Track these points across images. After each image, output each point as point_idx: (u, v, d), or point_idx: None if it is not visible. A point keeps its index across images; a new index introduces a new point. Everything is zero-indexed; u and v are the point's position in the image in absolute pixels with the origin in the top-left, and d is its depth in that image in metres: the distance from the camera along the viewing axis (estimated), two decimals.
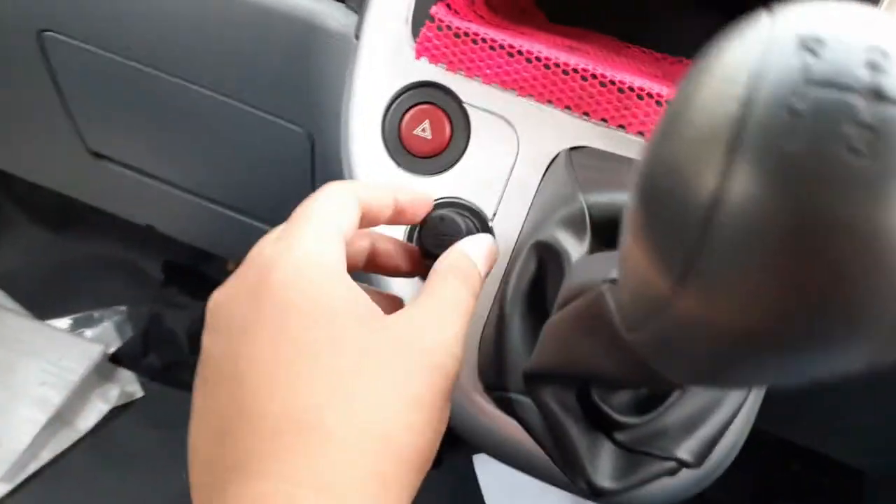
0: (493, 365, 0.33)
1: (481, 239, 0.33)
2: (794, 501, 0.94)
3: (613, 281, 0.22)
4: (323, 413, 0.23)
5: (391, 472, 0.24)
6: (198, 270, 1.07)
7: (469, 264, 0.31)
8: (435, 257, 0.38)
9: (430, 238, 0.37)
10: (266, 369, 0.24)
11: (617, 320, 0.20)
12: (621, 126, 0.38)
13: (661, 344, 0.17)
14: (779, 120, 0.12)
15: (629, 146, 0.38)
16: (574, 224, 0.32)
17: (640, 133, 0.37)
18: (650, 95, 0.37)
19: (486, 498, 0.92)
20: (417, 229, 0.39)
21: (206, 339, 0.27)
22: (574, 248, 0.32)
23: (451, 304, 0.28)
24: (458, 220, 0.38)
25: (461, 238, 0.38)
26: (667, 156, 0.14)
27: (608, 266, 0.23)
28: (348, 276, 0.27)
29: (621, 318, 0.19)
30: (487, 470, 0.94)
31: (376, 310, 0.26)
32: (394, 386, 0.24)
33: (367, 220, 0.30)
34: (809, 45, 0.13)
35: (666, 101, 0.37)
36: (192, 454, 0.26)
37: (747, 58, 0.13)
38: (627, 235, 0.16)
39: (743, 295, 0.13)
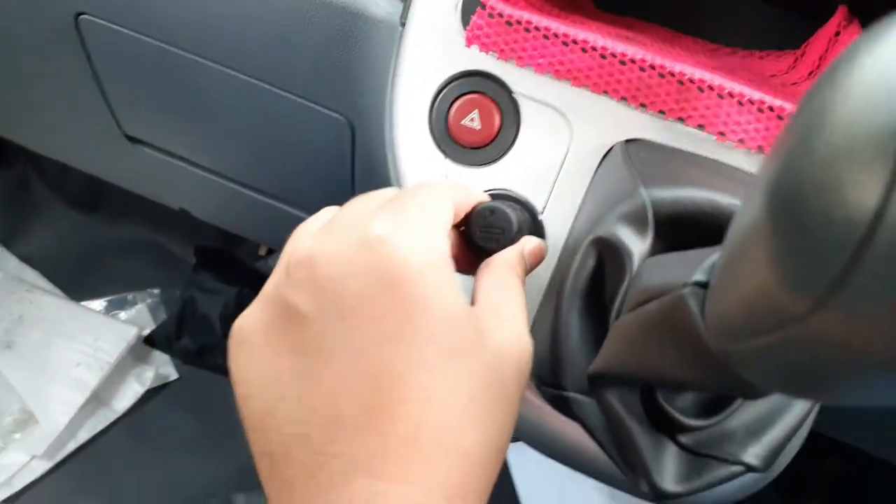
0: (549, 362, 0.33)
1: (532, 238, 0.34)
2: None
3: (698, 284, 0.21)
4: (462, 434, 0.24)
5: (492, 482, 0.25)
6: (229, 254, 1.07)
7: (521, 261, 0.32)
8: (481, 250, 0.37)
9: (479, 230, 0.36)
10: (398, 370, 0.24)
11: (704, 328, 0.19)
12: (680, 119, 0.36)
13: (767, 358, 0.16)
14: None
15: (687, 139, 0.37)
16: (636, 220, 0.31)
17: (700, 126, 0.36)
18: (711, 88, 0.36)
19: (517, 484, 0.93)
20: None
21: (303, 298, 0.25)
22: (635, 245, 0.31)
23: (521, 307, 0.29)
24: (509, 212, 0.37)
25: (512, 232, 0.37)
26: (814, 171, 0.13)
27: (686, 268, 0.22)
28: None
29: (716, 327, 0.18)
30: (520, 456, 0.94)
31: (480, 319, 0.26)
32: (502, 403, 0.25)
33: None
34: None
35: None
36: (272, 419, 0.25)
37: None
38: (747, 247, 0.15)
39: None
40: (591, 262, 0.32)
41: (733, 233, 0.17)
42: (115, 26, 0.53)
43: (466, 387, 0.24)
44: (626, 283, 0.30)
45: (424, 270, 0.25)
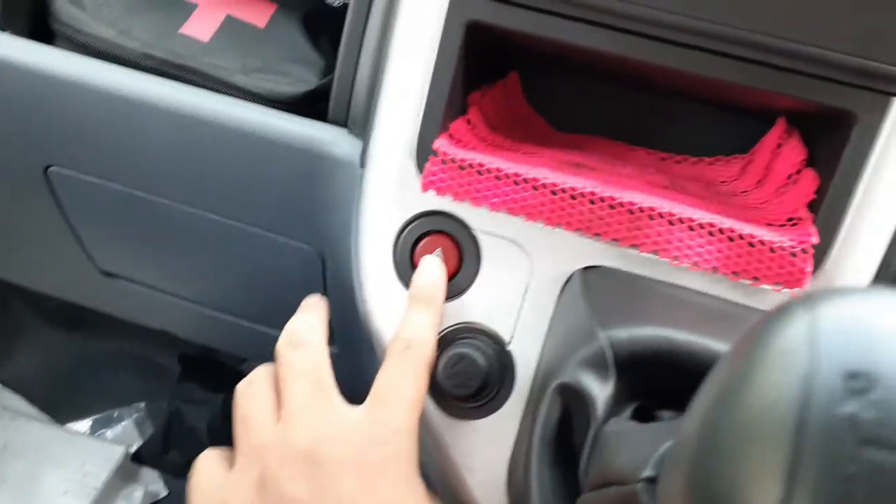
0: None
1: None
2: None
3: (648, 480, 0.21)
4: None
5: None
6: (214, 362, 1.07)
7: None
8: (455, 397, 0.38)
9: (449, 378, 0.37)
10: None
11: None
12: (634, 246, 0.37)
13: None
14: (831, 488, 0.12)
15: (644, 263, 0.38)
16: (596, 365, 0.32)
17: (655, 252, 0.37)
18: (661, 215, 0.37)
19: None
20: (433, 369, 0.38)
21: (300, 488, 0.32)
22: (599, 389, 0.31)
23: None
24: (477, 356, 0.37)
25: (481, 377, 0.37)
26: (719, 481, 0.13)
27: (643, 452, 0.23)
28: None
29: None
30: None
31: None
32: None
33: None
34: (855, 387, 0.12)
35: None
36: None
37: (790, 396, 0.13)
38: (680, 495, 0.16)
39: None
40: (556, 411, 0.32)
41: (674, 459, 0.17)
42: (82, 176, 0.54)
43: None
44: (592, 431, 0.30)
45: (387, 469, 0.32)
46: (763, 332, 0.14)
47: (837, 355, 0.12)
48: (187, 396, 1.01)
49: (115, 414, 1.05)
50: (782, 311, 0.14)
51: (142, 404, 1.05)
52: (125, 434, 1.03)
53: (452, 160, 0.38)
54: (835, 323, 0.13)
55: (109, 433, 1.03)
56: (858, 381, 0.12)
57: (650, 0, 0.35)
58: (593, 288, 0.37)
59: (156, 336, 1.08)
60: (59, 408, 1.05)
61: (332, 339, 0.58)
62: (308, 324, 0.38)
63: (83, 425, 1.03)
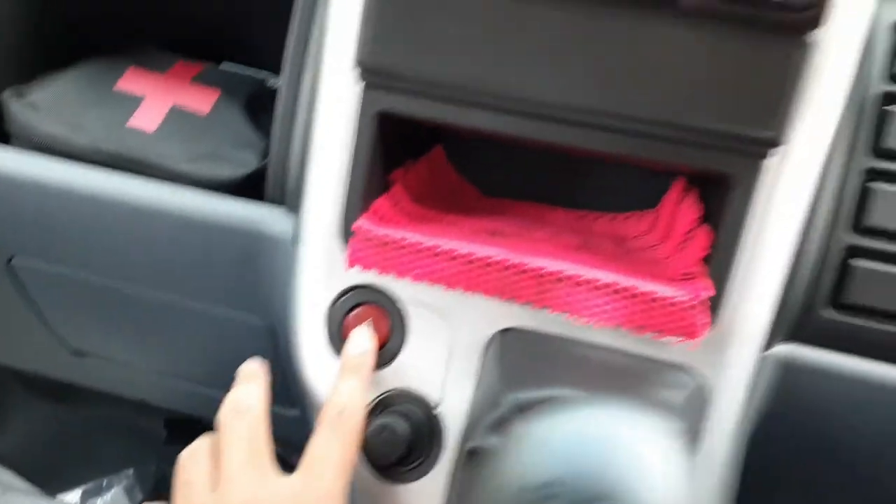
0: None
1: None
2: None
3: None
4: None
5: None
6: (199, 424, 1.08)
7: None
8: (384, 467, 0.40)
9: (374, 448, 0.39)
10: None
11: None
12: (545, 307, 0.40)
13: None
14: None
15: (556, 322, 0.41)
16: (503, 428, 0.34)
17: (564, 312, 0.40)
18: (567, 278, 0.39)
19: None
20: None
21: None
22: None
23: None
24: (398, 426, 0.39)
25: (404, 446, 0.39)
26: None
27: None
28: None
29: None
30: None
31: None
32: None
33: None
34: (550, 493, 0.15)
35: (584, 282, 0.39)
36: None
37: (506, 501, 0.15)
38: None
39: None
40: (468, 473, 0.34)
41: None
42: (44, 265, 0.57)
43: None
44: None
45: None
46: (495, 446, 0.16)
47: (540, 465, 0.15)
48: (174, 460, 1.02)
49: (105, 482, 1.06)
50: (511, 426, 0.17)
51: (130, 471, 1.07)
52: (115, 502, 1.04)
53: (374, 237, 0.41)
54: (544, 436, 0.15)
55: (99, 502, 1.04)
56: (553, 488, 0.14)
57: (537, 85, 0.38)
58: (508, 350, 0.39)
59: (139, 402, 1.10)
60: (48, 479, 1.06)
61: (287, 401, 0.60)
62: (250, 392, 0.40)
63: (73, 496, 1.05)
